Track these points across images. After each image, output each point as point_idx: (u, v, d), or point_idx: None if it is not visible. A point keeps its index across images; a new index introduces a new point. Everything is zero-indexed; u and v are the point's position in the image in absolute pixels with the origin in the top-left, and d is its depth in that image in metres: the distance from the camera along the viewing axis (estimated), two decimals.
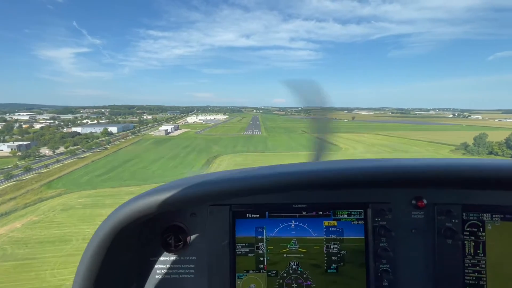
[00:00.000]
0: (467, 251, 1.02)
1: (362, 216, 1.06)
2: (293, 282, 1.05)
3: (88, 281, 0.78)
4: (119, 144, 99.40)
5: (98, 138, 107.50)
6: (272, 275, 1.05)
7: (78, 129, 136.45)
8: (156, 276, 1.05)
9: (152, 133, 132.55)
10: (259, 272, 1.06)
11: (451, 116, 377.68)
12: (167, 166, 65.27)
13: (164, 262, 1.06)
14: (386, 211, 1.03)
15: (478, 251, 1.01)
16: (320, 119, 1.54)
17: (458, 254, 1.01)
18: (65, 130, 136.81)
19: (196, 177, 0.90)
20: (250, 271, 1.06)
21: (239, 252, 1.05)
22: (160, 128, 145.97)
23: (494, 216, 1.00)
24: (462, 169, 0.86)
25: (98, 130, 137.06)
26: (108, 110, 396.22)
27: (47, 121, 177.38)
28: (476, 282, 1.00)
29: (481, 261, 1.00)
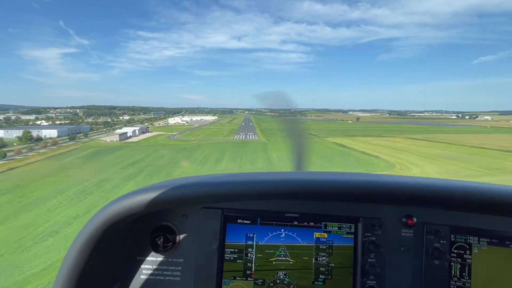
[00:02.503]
0: (453, 272, 1.01)
1: (352, 230, 1.04)
2: None
3: (72, 275, 0.77)
4: (26, 157, 58.79)
5: (5, 146, 66.22)
6: (259, 283, 1.03)
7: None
8: (142, 276, 1.02)
9: (104, 138, 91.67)
10: (246, 279, 1.03)
11: (454, 117, 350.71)
12: (33, 234, 25.20)
13: (151, 263, 1.03)
14: (377, 226, 1.02)
15: (463, 273, 1.00)
16: (292, 122, 1.51)
17: (444, 275, 1.00)
18: None
19: (190, 177, 0.90)
20: (237, 278, 1.03)
21: (227, 258, 1.03)
22: (116, 131, 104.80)
23: (481, 239, 1.00)
24: (454, 192, 0.88)
25: (33, 133, 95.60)
26: (83, 110, 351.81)
27: None
28: None
29: (466, 284, 0.99)
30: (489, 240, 1.00)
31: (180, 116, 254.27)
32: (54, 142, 76.83)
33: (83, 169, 51.10)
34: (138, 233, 1.01)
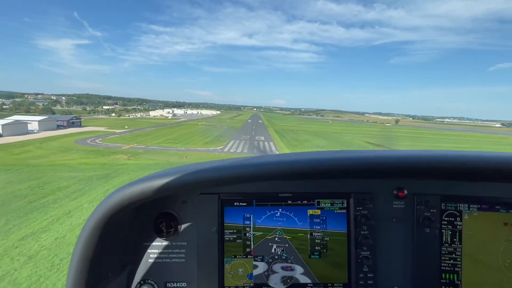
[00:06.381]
0: (444, 239, 1.03)
1: (345, 205, 1.07)
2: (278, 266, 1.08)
3: (83, 262, 0.79)
4: None
5: None
6: (259, 259, 1.07)
7: None
8: (149, 260, 1.07)
9: None
10: (246, 257, 1.07)
11: (499, 126, 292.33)
12: None
13: (156, 247, 1.07)
14: (368, 200, 1.04)
15: (454, 239, 1.03)
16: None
17: (435, 242, 1.03)
18: None
19: (187, 166, 0.92)
20: (238, 256, 1.07)
21: (227, 238, 1.07)
22: None
23: (471, 206, 1.02)
24: (443, 161, 0.88)
25: None
26: (69, 98, 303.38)
27: None
28: (452, 269, 1.03)
29: (457, 249, 1.02)
30: (479, 206, 1.01)
31: (172, 109, 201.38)
32: None
33: None
34: (142, 220, 1.04)
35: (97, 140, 46.54)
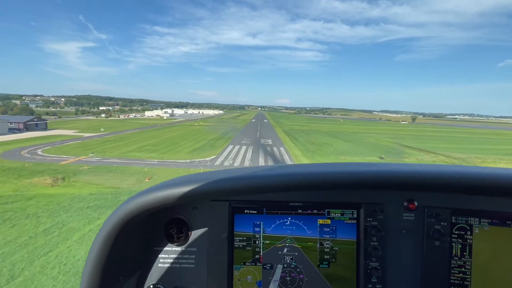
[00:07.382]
0: (454, 252, 1.02)
1: (355, 215, 1.05)
2: (287, 275, 1.06)
3: (97, 267, 0.81)
4: None
5: None
6: (268, 267, 1.06)
7: None
8: (159, 265, 1.07)
9: None
10: (255, 264, 1.07)
11: None
12: None
13: (167, 252, 1.07)
14: (378, 211, 1.03)
15: (464, 253, 1.01)
16: None
17: (445, 255, 1.02)
18: None
19: (199, 174, 0.93)
20: (247, 263, 1.07)
21: (237, 245, 1.06)
22: None
23: (482, 220, 1.00)
24: (453, 177, 0.88)
25: None
26: (68, 99, 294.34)
27: None
28: (461, 282, 1.01)
29: (467, 263, 1.01)
30: (490, 220, 1.00)
31: (172, 109, 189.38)
32: None
33: None
34: (153, 225, 1.05)
35: (39, 150, 33.71)
